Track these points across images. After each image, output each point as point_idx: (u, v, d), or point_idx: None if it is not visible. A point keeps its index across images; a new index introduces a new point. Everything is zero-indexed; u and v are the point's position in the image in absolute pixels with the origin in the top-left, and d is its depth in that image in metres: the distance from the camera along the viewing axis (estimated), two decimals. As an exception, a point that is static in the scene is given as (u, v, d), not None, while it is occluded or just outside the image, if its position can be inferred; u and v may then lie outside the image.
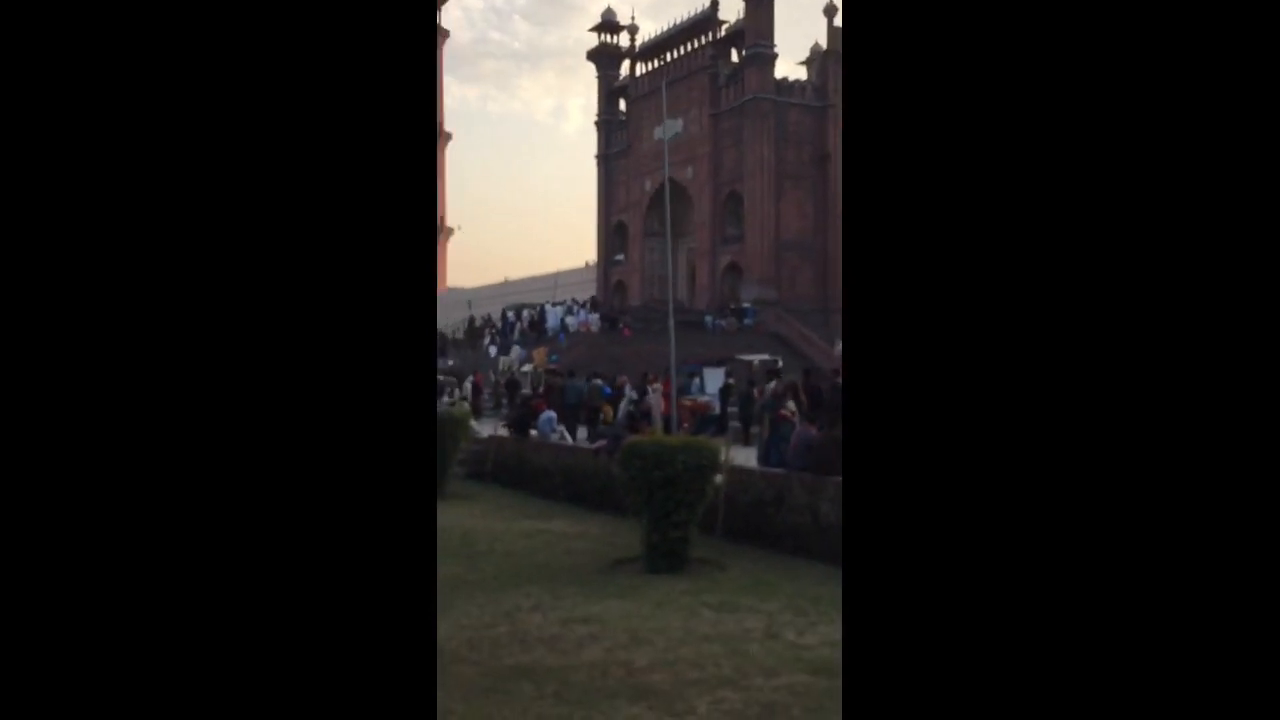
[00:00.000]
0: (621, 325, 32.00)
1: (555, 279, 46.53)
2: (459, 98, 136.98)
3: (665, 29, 41.04)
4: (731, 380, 20.15)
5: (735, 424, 17.13)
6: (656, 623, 6.67)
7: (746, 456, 11.69)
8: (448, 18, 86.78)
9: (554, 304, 37.36)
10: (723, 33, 38.76)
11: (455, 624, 6.57)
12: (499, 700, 5.13)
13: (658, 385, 15.31)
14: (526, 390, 20.48)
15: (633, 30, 44.46)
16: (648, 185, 41.16)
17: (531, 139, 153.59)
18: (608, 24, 45.18)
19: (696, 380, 21.28)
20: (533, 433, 15.86)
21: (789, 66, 43.53)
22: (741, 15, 37.64)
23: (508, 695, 5.21)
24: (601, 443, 13.13)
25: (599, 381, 18.69)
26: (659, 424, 14.13)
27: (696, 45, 39.75)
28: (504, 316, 38.13)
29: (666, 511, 8.51)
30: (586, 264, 47.56)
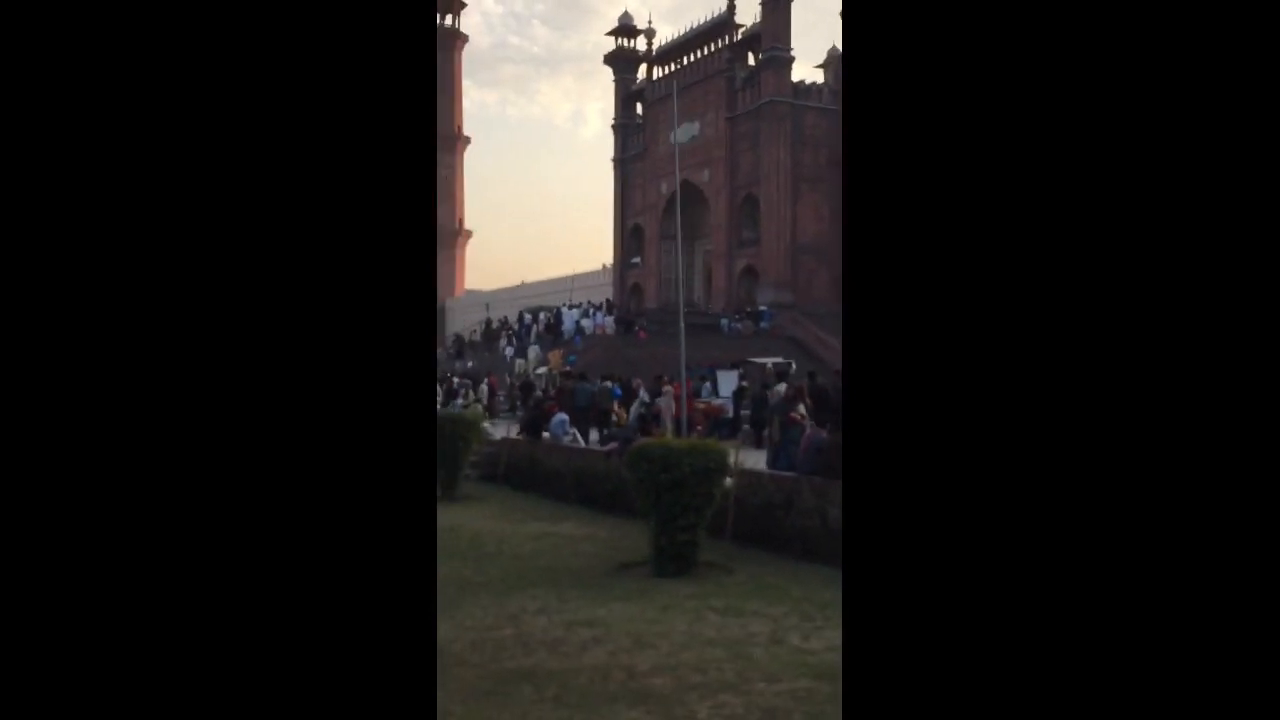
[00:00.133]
0: (637, 328, 31.99)
1: (571, 282, 46.57)
2: (478, 102, 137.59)
3: (682, 33, 41.04)
4: (745, 383, 20.11)
5: (748, 427, 17.08)
6: (661, 626, 6.64)
7: (757, 460, 11.64)
8: (467, 23, 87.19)
9: (570, 306, 37.40)
10: (739, 36, 38.70)
11: (459, 626, 6.57)
12: (498, 703, 5.11)
13: (669, 388, 15.26)
14: (540, 393, 20.46)
15: (650, 34, 44.47)
16: (664, 188, 41.13)
17: (550, 143, 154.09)
18: (625, 28, 45.22)
19: (707, 383, 21.23)
20: (545, 435, 15.84)
21: (806, 70, 43.53)
22: (758, 19, 37.60)
23: (507, 698, 5.19)
24: (613, 445, 13.12)
25: (609, 384, 18.67)
26: (669, 426, 14.08)
27: (713, 49, 39.71)
28: (520, 319, 38.20)
29: (674, 514, 8.48)
30: (603, 267, 47.58)
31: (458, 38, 64.72)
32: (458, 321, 50.46)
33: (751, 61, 38.48)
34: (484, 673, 5.65)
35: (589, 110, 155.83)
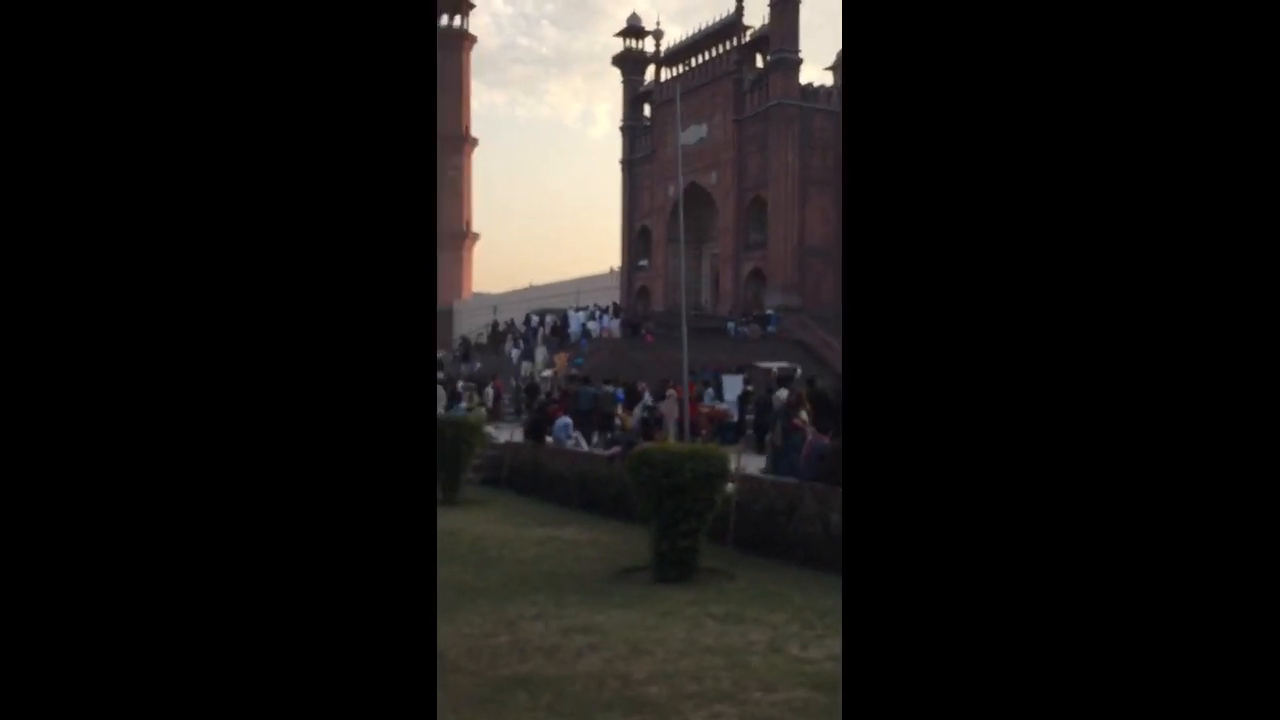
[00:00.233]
0: (644, 331, 31.95)
1: (578, 284, 46.56)
2: (487, 103, 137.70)
3: (691, 34, 41.04)
4: (750, 387, 20.06)
5: (751, 432, 17.04)
6: (659, 633, 6.61)
7: (758, 465, 11.61)
8: (475, 23, 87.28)
9: (577, 309, 37.38)
10: (748, 38, 38.70)
11: (457, 632, 6.54)
12: (493, 711, 5.09)
13: (672, 392, 15.22)
14: (544, 396, 20.42)
15: (658, 35, 44.47)
16: (672, 191, 41.11)
17: (559, 144, 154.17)
18: (633, 29, 45.23)
19: (710, 389, 21.18)
20: (548, 439, 15.81)
21: (815, 72, 43.44)
22: (766, 20, 37.57)
23: (502, 706, 5.16)
24: (616, 449, 13.08)
25: (610, 388, 18.63)
26: (671, 431, 14.04)
27: (721, 50, 39.70)
28: (527, 321, 38.18)
29: (675, 520, 8.45)
30: (611, 269, 47.57)
31: (465, 38, 64.71)
32: (465, 324, 50.45)
33: (759, 63, 38.48)
34: (479, 680, 5.62)
35: (598, 111, 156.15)
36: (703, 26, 40.44)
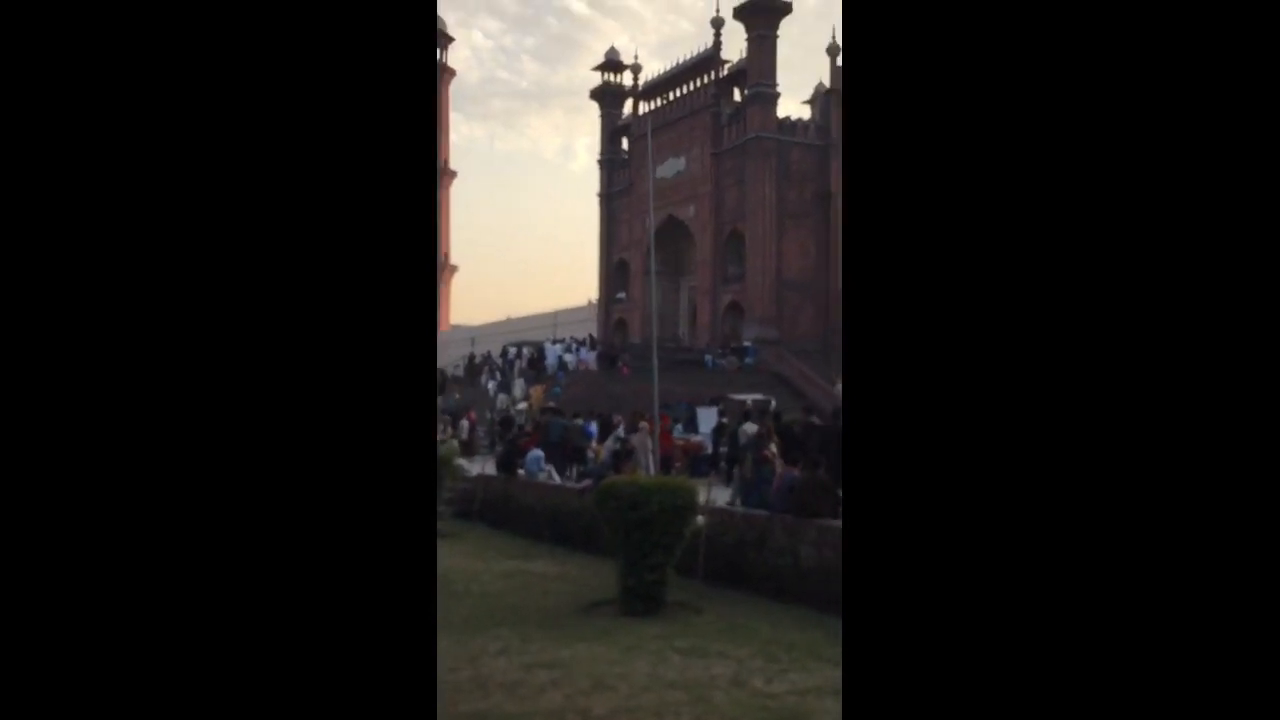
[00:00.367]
0: (620, 364, 31.89)
1: (556, 317, 46.50)
2: (466, 136, 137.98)
3: (669, 68, 41.24)
4: (725, 420, 20.01)
5: (724, 464, 16.98)
6: (622, 668, 6.52)
7: (727, 497, 11.54)
8: (455, 57, 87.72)
9: (554, 342, 37.30)
10: (725, 72, 38.92)
11: (417, 668, 6.42)
12: (448, 749, 4.98)
13: (644, 424, 15.16)
14: (518, 429, 20.32)
15: (636, 69, 44.66)
16: (649, 224, 41.17)
17: (538, 177, 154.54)
18: (612, 63, 45.45)
19: (680, 423, 21.13)
20: (520, 472, 15.71)
21: (792, 105, 43.76)
22: (744, 54, 37.80)
23: (457, 744, 5.06)
24: (587, 482, 13.00)
25: (579, 420, 18.56)
26: (643, 464, 13.97)
27: (699, 84, 39.89)
28: (504, 354, 38.07)
29: (643, 553, 8.38)
30: (589, 302, 47.56)
31: (445, 72, 64.84)
32: (443, 356, 50.25)
33: (737, 97, 38.65)
34: (439, 717, 5.50)
35: (578, 145, 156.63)
36: (681, 60, 40.65)
